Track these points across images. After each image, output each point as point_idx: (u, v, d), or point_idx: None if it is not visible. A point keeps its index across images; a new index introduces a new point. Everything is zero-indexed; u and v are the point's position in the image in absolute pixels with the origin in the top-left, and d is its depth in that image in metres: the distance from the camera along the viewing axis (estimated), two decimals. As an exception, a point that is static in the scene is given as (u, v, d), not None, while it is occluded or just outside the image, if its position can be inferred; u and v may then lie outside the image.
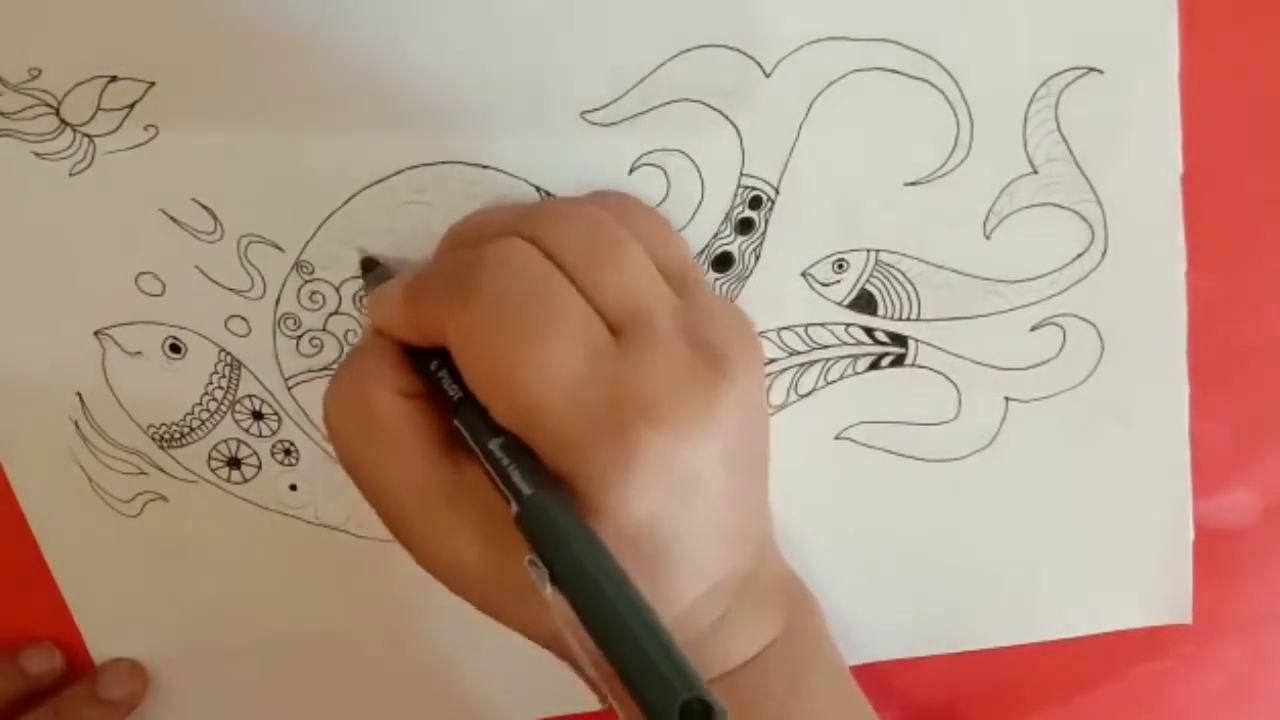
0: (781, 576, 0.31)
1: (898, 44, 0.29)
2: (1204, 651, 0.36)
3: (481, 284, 0.24)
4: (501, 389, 0.23)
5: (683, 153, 0.30)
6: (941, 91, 0.29)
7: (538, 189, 0.30)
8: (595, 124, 0.29)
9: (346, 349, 0.31)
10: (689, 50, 0.28)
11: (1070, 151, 0.30)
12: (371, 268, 0.30)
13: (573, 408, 0.23)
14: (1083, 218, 0.31)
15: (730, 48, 0.29)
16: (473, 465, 0.25)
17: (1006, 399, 0.33)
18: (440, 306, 0.24)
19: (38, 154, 0.29)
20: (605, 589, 0.21)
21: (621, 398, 0.23)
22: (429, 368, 0.26)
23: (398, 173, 0.29)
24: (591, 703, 0.28)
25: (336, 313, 0.31)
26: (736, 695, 0.28)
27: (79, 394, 0.32)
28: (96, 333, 0.31)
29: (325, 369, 0.31)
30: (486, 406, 0.24)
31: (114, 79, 0.29)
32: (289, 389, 0.32)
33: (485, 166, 0.29)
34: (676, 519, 0.24)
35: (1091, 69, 0.29)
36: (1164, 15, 0.29)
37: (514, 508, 0.22)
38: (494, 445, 0.23)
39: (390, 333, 0.26)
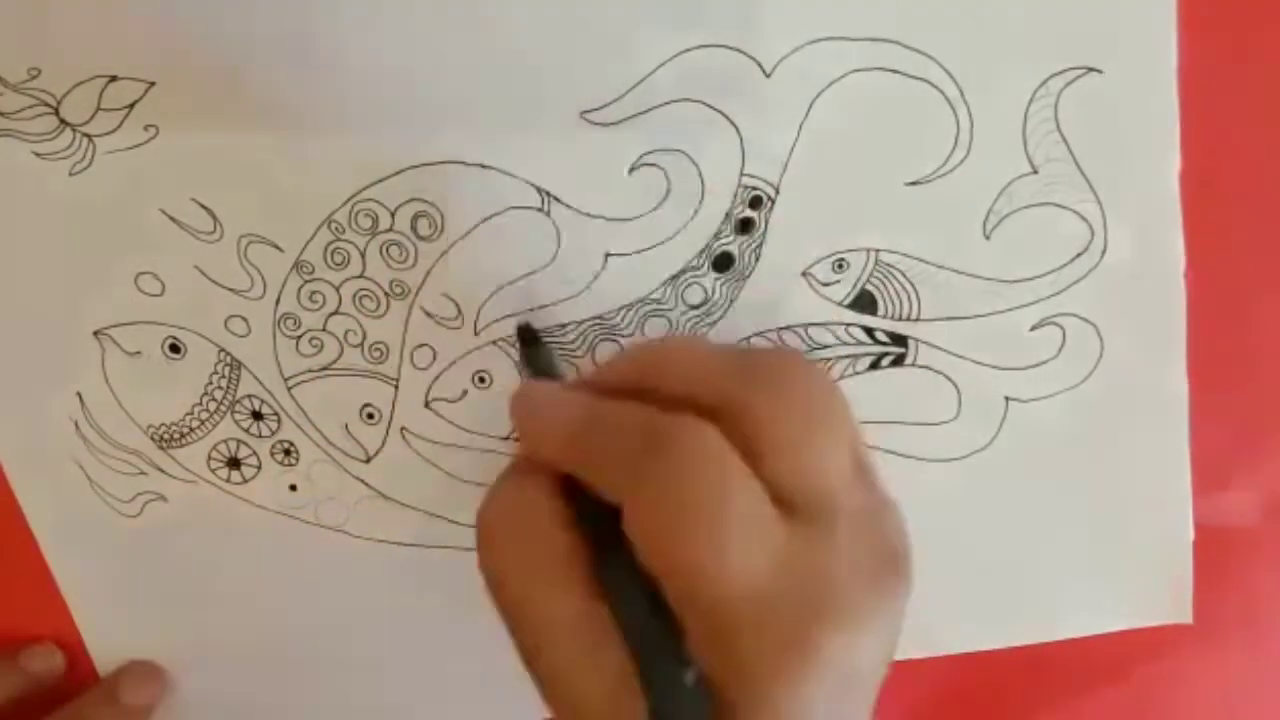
0: None
1: (898, 44, 0.29)
2: (1204, 652, 0.36)
3: (660, 469, 0.23)
4: (675, 572, 0.23)
5: (683, 153, 0.30)
6: (941, 91, 0.29)
7: (538, 189, 0.30)
8: (595, 123, 0.29)
9: (347, 349, 0.31)
10: (689, 50, 0.28)
11: (1070, 151, 0.30)
12: (532, 340, 0.30)
13: (752, 602, 0.22)
14: (1082, 217, 0.31)
15: (730, 48, 0.29)
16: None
17: (1006, 399, 0.33)
18: (615, 473, 0.24)
19: (37, 154, 0.29)
20: None
21: (806, 594, 0.23)
22: (594, 503, 0.25)
23: (398, 173, 0.29)
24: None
25: (336, 313, 0.31)
26: None
27: (78, 394, 0.32)
28: (96, 333, 0.31)
29: (325, 369, 0.31)
30: (656, 581, 0.23)
31: (114, 79, 0.28)
32: (289, 389, 0.32)
33: (486, 166, 0.29)
34: (828, 713, 0.23)
35: (1091, 69, 0.29)
36: (1163, 14, 0.29)
37: (650, 692, 0.23)
38: (643, 617, 0.23)
39: (534, 447, 0.26)
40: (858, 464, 0.25)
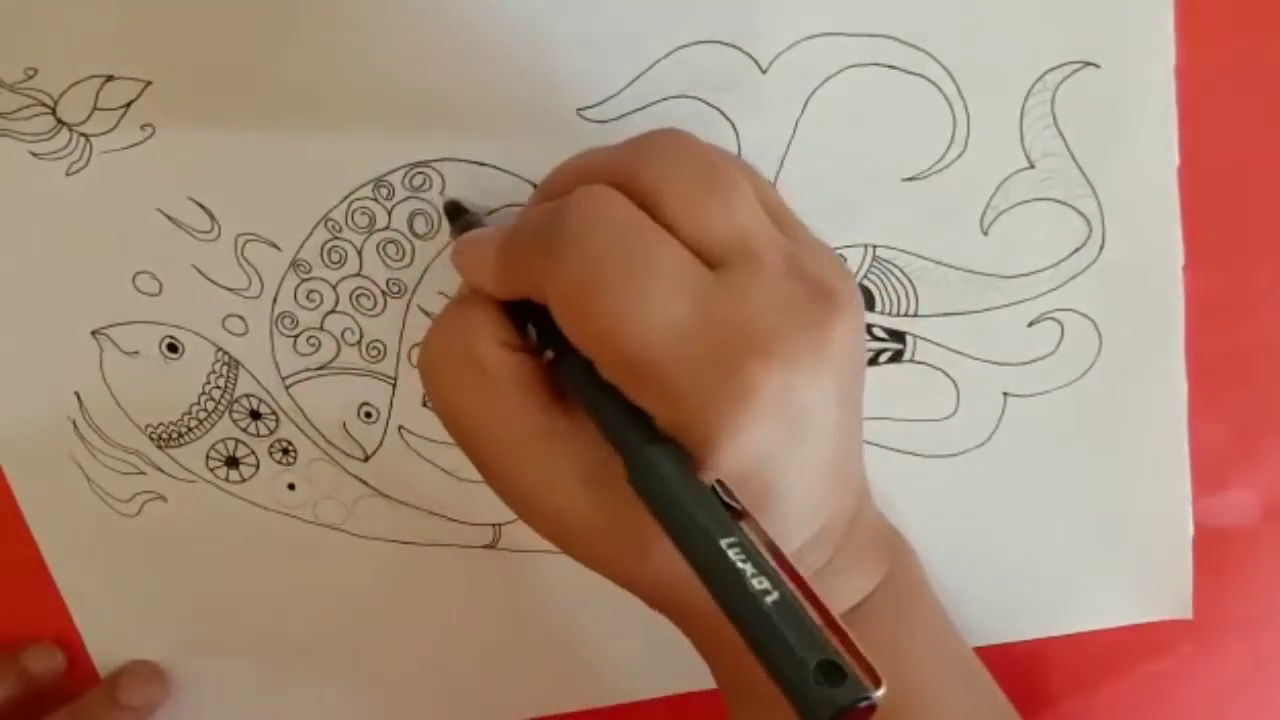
0: (879, 523, 0.30)
1: (894, 39, 0.29)
2: (1204, 651, 0.36)
3: (570, 237, 0.23)
4: (604, 343, 0.23)
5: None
6: (938, 87, 0.29)
7: (534, 186, 0.30)
8: (592, 120, 0.29)
9: (344, 347, 0.31)
10: (684, 47, 0.28)
11: (1067, 146, 0.30)
12: (457, 214, 0.29)
13: (679, 351, 0.22)
14: (1080, 212, 0.31)
15: (726, 44, 0.29)
16: (578, 416, 0.25)
17: (1005, 394, 0.33)
18: (532, 264, 0.24)
19: (34, 154, 0.29)
20: (731, 557, 0.20)
21: (730, 332, 0.22)
22: (526, 324, 0.25)
23: (394, 171, 0.29)
24: (585, 701, 0.28)
25: (334, 311, 0.31)
26: None
27: (77, 393, 0.32)
28: (94, 332, 0.31)
29: (322, 367, 0.31)
30: (591, 359, 0.23)
31: (110, 78, 0.29)
32: (286, 388, 0.32)
33: (482, 164, 0.29)
34: (787, 457, 0.23)
35: (1088, 63, 0.29)
36: (1161, 8, 0.29)
37: (628, 466, 0.22)
38: (600, 400, 0.23)
39: (484, 290, 0.26)
40: (773, 211, 0.25)
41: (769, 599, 0.19)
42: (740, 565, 0.20)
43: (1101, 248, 0.31)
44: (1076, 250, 0.31)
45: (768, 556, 0.21)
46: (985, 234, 0.31)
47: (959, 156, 0.30)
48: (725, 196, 0.24)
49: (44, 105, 0.29)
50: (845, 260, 0.26)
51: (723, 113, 0.29)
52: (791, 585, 0.20)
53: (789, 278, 0.23)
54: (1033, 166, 0.30)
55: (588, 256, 0.23)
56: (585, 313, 0.23)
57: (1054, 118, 0.30)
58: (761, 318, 0.22)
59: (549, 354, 0.25)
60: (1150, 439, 0.33)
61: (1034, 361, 0.32)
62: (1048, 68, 0.29)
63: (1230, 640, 0.36)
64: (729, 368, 0.22)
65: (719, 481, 0.22)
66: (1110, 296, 0.31)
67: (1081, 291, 0.31)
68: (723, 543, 0.20)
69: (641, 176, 0.24)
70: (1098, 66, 0.29)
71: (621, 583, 0.26)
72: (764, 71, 0.29)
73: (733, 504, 0.22)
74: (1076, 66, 0.29)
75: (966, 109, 0.29)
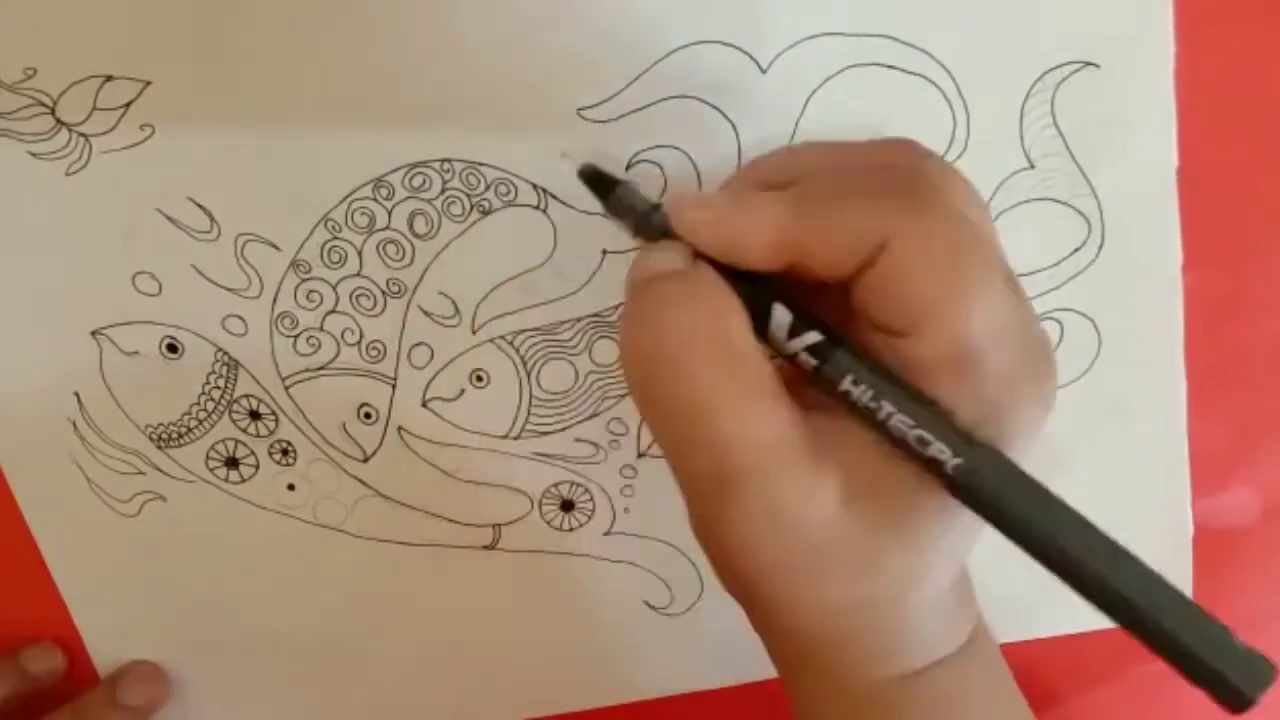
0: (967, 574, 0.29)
1: (894, 39, 0.29)
2: None
3: (940, 200, 0.22)
4: (942, 316, 0.21)
5: (679, 149, 0.30)
6: (938, 87, 0.29)
7: (534, 186, 0.30)
8: (592, 120, 0.29)
9: (344, 348, 0.31)
10: (684, 47, 0.28)
11: (1067, 146, 0.30)
12: (604, 184, 0.25)
13: (1007, 344, 0.22)
14: (1079, 212, 0.31)
15: (726, 44, 0.29)
16: (834, 418, 0.22)
17: (1005, 395, 0.33)
18: (880, 214, 0.21)
19: (33, 154, 0.29)
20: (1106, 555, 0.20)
21: (1036, 347, 0.23)
22: (772, 305, 0.23)
23: (394, 170, 0.29)
24: (585, 701, 0.27)
25: (334, 311, 0.31)
26: (936, 689, 0.25)
27: (76, 394, 0.32)
28: (93, 333, 0.31)
29: (322, 368, 0.31)
30: (908, 331, 0.21)
31: (110, 78, 0.28)
32: (286, 389, 0.32)
33: (482, 164, 0.29)
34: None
35: (1088, 64, 0.29)
36: (1161, 9, 0.29)
37: (946, 473, 0.21)
38: (899, 392, 0.21)
39: (745, 253, 0.23)
40: None
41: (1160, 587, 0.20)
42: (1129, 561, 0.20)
43: (1101, 248, 0.31)
44: (1076, 250, 0.31)
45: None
46: (985, 234, 0.31)
47: (958, 157, 0.30)
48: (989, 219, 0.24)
49: (43, 105, 0.29)
50: None
51: (723, 113, 0.29)
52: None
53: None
54: (1032, 167, 0.30)
55: (957, 224, 0.22)
56: (938, 274, 0.21)
57: (1054, 118, 0.30)
58: (1044, 338, 0.23)
59: (812, 338, 0.22)
60: (1150, 439, 0.33)
61: (1034, 361, 0.32)
62: (1047, 68, 0.29)
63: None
64: (1038, 372, 0.22)
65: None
66: (1110, 296, 0.31)
67: (1081, 291, 0.31)
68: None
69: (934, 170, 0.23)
70: (1097, 67, 0.29)
71: (802, 615, 0.23)
72: (764, 71, 0.29)
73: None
74: (1076, 67, 0.29)
75: (966, 109, 0.29)
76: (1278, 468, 0.34)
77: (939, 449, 0.21)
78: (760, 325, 0.23)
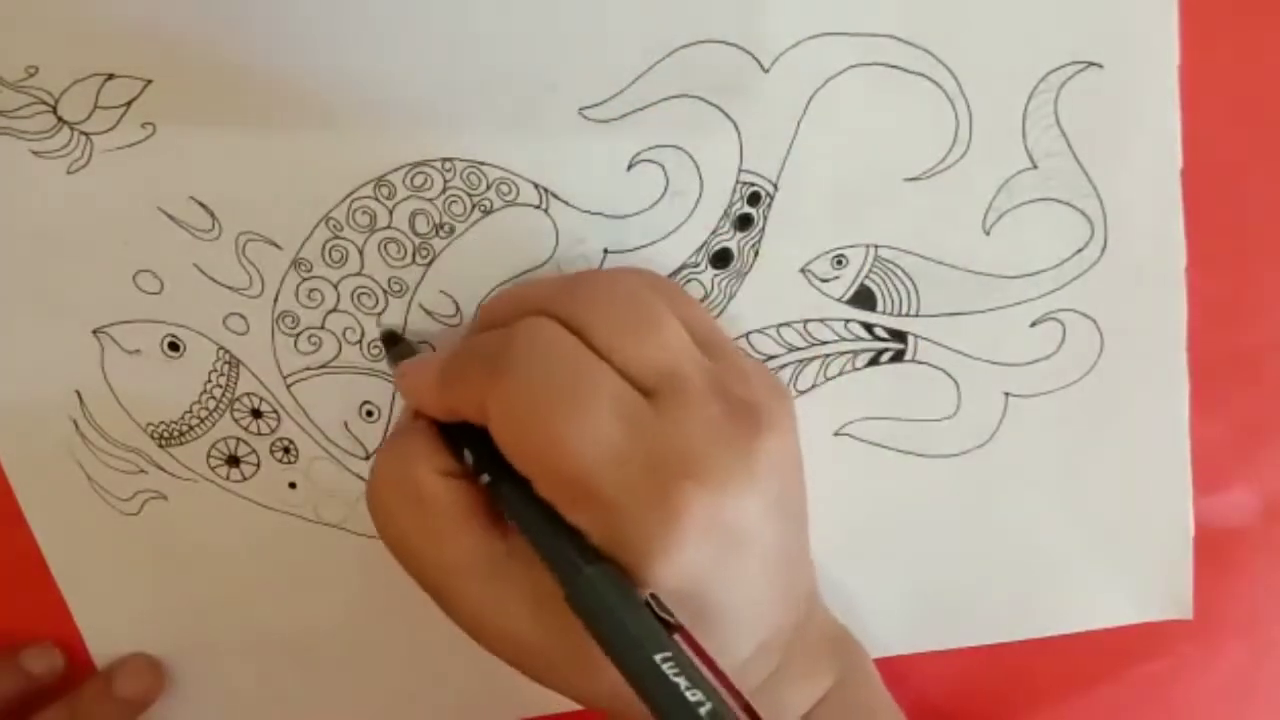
0: (829, 626, 0.31)
1: (897, 39, 0.29)
2: (1204, 651, 0.36)
3: (514, 362, 0.24)
4: (542, 463, 0.24)
5: (681, 149, 0.30)
6: (941, 87, 0.29)
7: (536, 185, 0.30)
8: (594, 120, 0.29)
9: (345, 346, 0.31)
10: (687, 46, 0.28)
11: (1070, 146, 0.30)
12: (394, 342, 0.31)
13: (615, 473, 0.23)
14: (1082, 213, 0.31)
15: (729, 43, 0.28)
16: (518, 540, 0.25)
17: (1006, 395, 0.33)
18: (475, 386, 0.25)
19: (35, 152, 0.29)
20: (665, 670, 0.21)
21: (661, 456, 0.23)
22: (470, 441, 0.26)
23: (396, 170, 0.29)
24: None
25: (335, 310, 0.31)
26: None
27: (77, 392, 0.32)
28: (95, 331, 0.31)
29: (323, 366, 0.31)
30: (529, 480, 0.24)
31: (111, 76, 0.28)
32: (288, 387, 0.32)
33: (483, 163, 0.29)
34: (724, 576, 0.24)
35: (1091, 63, 0.29)
36: (1164, 9, 0.29)
37: (565, 587, 0.23)
38: (536, 521, 0.24)
39: (425, 413, 0.27)
40: (702, 335, 0.26)
41: (703, 709, 0.21)
42: (674, 678, 0.21)
43: (1104, 248, 0.31)
44: (1079, 251, 0.31)
45: (703, 669, 0.22)
46: (988, 234, 0.31)
47: (961, 156, 0.30)
48: (650, 328, 0.25)
49: (45, 104, 0.29)
50: (776, 377, 0.28)
51: (725, 112, 0.29)
52: (728, 696, 0.21)
53: (715, 400, 0.25)
54: (1035, 167, 0.30)
55: (532, 379, 0.24)
56: (527, 432, 0.24)
57: (1057, 118, 0.30)
58: (691, 441, 0.24)
59: (485, 478, 0.26)
60: (1152, 440, 0.33)
61: (1036, 362, 0.32)
62: (1051, 68, 0.29)
63: (1230, 640, 0.36)
64: (662, 489, 0.23)
65: (653, 596, 0.23)
66: (1113, 297, 0.31)
67: (1084, 292, 0.31)
68: (656, 657, 0.21)
69: (575, 311, 0.25)
70: (1101, 67, 0.29)
71: (575, 699, 0.27)
72: (766, 71, 0.29)
73: (667, 618, 0.23)
74: (1080, 67, 0.29)
75: (969, 109, 0.29)
76: (1278, 467, 0.34)
77: (560, 573, 0.24)
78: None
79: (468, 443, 0.26)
